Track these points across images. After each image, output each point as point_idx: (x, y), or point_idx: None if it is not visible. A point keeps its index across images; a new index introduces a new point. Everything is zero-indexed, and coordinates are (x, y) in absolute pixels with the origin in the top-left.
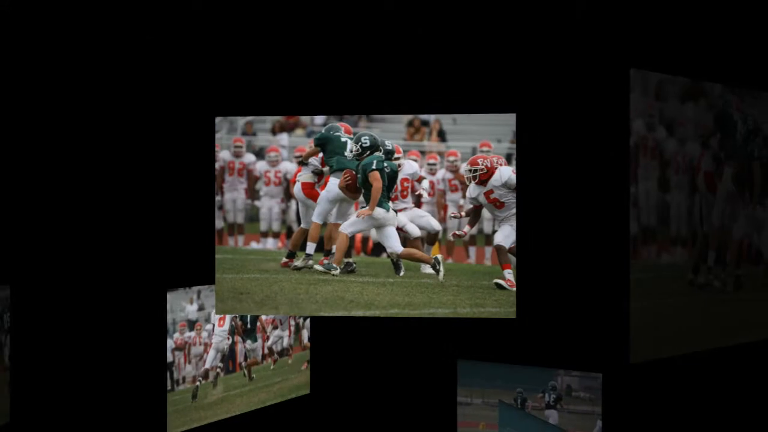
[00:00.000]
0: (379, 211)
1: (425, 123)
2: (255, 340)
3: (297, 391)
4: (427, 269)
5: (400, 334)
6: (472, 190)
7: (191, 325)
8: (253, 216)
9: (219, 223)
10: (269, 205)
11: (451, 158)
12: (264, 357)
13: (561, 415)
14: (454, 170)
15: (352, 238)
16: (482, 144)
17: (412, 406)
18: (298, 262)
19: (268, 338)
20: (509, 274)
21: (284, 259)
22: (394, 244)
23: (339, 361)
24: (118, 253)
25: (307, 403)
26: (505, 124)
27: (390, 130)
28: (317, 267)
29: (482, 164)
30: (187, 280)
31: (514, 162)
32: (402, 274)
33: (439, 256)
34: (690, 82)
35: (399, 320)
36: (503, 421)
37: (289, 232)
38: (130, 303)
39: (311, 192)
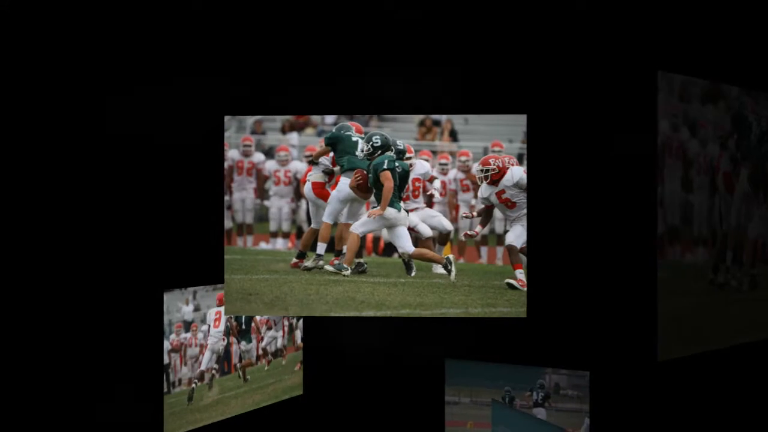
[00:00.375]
0: (390, 211)
1: (437, 123)
2: (250, 341)
3: (290, 392)
4: (439, 269)
5: (391, 334)
6: (484, 190)
7: (187, 326)
8: (262, 216)
9: (228, 223)
10: (279, 205)
11: (463, 158)
12: (258, 358)
13: (549, 413)
14: (466, 170)
15: (363, 238)
16: (494, 144)
17: (402, 405)
18: (308, 263)
19: (262, 339)
20: (521, 274)
21: (294, 260)
22: (406, 244)
23: (330, 361)
24: (120, 253)
25: (301, 404)
26: (516, 124)
27: (401, 130)
28: (328, 267)
29: (494, 164)
30: (191, 280)
31: (525, 162)
32: (413, 274)
33: (451, 256)
34: (709, 84)
35: (391, 320)
36: (496, 419)
37: (299, 232)
38: (127, 304)
39: (322, 192)
